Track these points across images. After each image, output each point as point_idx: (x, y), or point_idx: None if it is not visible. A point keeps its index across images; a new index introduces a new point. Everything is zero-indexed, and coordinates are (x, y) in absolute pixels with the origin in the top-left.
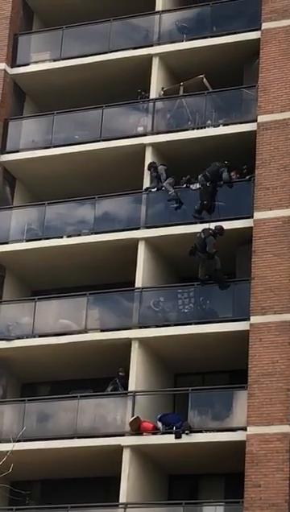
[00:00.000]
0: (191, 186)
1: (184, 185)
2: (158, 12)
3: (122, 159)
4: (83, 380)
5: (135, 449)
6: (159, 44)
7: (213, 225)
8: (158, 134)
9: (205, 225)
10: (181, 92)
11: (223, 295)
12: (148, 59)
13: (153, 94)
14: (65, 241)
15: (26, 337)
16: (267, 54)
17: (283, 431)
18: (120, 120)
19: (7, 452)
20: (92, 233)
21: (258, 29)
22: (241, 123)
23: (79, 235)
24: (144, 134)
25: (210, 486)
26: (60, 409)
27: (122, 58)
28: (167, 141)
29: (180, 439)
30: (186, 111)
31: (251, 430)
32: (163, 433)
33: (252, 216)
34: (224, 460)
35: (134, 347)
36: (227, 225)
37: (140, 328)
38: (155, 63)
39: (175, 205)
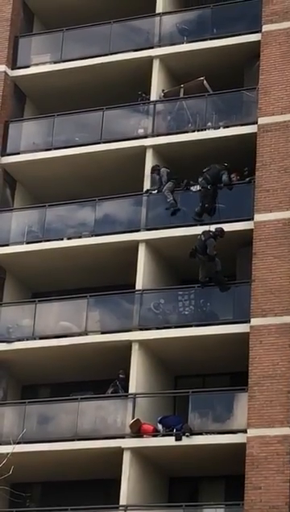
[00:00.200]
0: (191, 188)
1: (185, 188)
2: (158, 14)
3: (123, 161)
4: (83, 382)
5: (136, 451)
6: (159, 46)
7: (213, 227)
8: (158, 136)
9: (206, 227)
10: (182, 95)
11: (223, 297)
12: (149, 61)
13: (153, 96)
14: (66, 243)
15: (27, 339)
16: (268, 56)
17: (283, 434)
18: (121, 122)
19: (7, 454)
20: (92, 235)
21: (259, 31)
22: (241, 125)
23: (79, 237)
24: (145, 136)
25: (211, 488)
26: (60, 411)
27: (122, 60)
28: (168, 143)
29: (180, 442)
30: (187, 113)
31: (252, 432)
32: (164, 435)
33: (252, 219)
34: (224, 463)
35: (135, 349)
36: (227, 227)
37: (141, 330)
38: (156, 65)
39: (171, 210)
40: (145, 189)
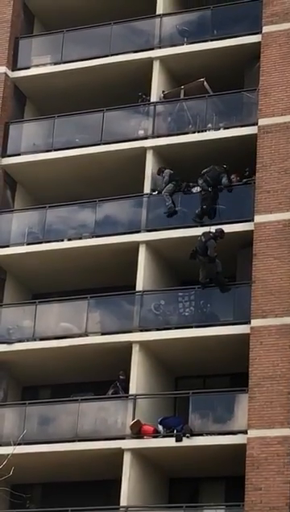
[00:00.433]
0: (192, 189)
1: (185, 189)
2: (159, 15)
3: (123, 163)
4: (84, 383)
5: (136, 452)
6: (159, 48)
7: (213, 229)
8: (159, 137)
9: (206, 229)
10: (182, 96)
11: (224, 298)
12: (149, 62)
13: (154, 97)
14: (66, 244)
15: (27, 340)
16: (268, 57)
17: (283, 435)
18: (121, 123)
19: (8, 455)
20: (93, 237)
21: (259, 32)
22: (241, 126)
23: (80, 238)
24: (145, 138)
25: (211, 489)
26: (60, 412)
27: (122, 61)
28: (168, 144)
29: (180, 443)
30: (187, 114)
31: (252, 433)
32: (164, 436)
33: (253, 220)
34: (225, 464)
35: (135, 350)
36: (228, 228)
37: (141, 331)
38: (156, 66)
39: (168, 212)
40: (146, 190)
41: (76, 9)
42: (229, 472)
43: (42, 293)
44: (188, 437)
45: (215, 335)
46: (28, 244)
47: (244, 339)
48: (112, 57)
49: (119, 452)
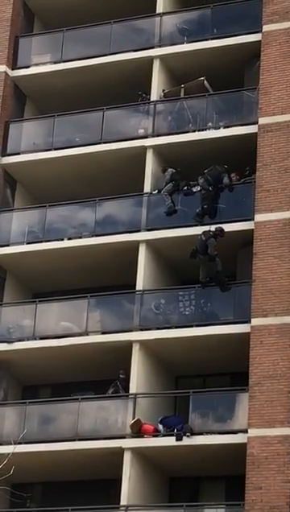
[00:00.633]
0: (192, 188)
1: (186, 188)
2: (159, 14)
3: (123, 162)
4: (84, 382)
5: (136, 451)
6: (159, 46)
7: (213, 227)
8: (159, 136)
9: (206, 228)
10: (182, 95)
11: (224, 297)
12: (149, 61)
13: (154, 96)
14: (66, 243)
15: (27, 340)
16: (268, 56)
17: (284, 434)
18: (121, 122)
19: (8, 454)
20: (93, 236)
21: (259, 31)
22: (242, 125)
23: (80, 237)
24: (145, 137)
25: (211, 489)
26: (61, 411)
27: (122, 60)
28: (168, 143)
29: (180, 442)
30: (187, 113)
31: (252, 432)
32: (164, 435)
33: (253, 219)
34: (225, 463)
35: (135, 349)
36: (228, 227)
37: (141, 330)
38: (156, 65)
39: (167, 211)
40: (146, 190)
41: (76, 8)
42: (229, 471)
43: (42, 292)
44: (188, 436)
45: (215, 334)
46: (28, 243)
47: (244, 338)
48: (112, 56)
49: (119, 452)
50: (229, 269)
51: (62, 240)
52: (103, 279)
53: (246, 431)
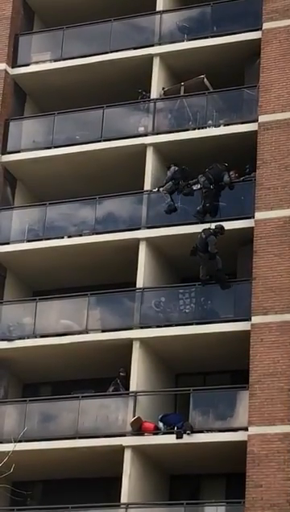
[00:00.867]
0: (193, 187)
1: (185, 186)
2: (159, 12)
3: (123, 160)
4: (84, 380)
5: (136, 449)
6: (159, 44)
7: (213, 225)
8: (159, 134)
9: (206, 225)
10: (182, 93)
11: (224, 295)
12: (149, 59)
13: (154, 94)
14: (66, 241)
15: (28, 338)
16: (268, 54)
17: (284, 431)
18: (121, 120)
19: (9, 452)
20: (93, 234)
21: (259, 29)
22: (242, 123)
23: (80, 235)
24: (145, 135)
25: (211, 486)
26: (61, 409)
27: (122, 58)
28: (168, 141)
29: (181, 440)
30: (187, 111)
31: (252, 430)
32: (165, 433)
33: (253, 217)
34: (225, 461)
35: (136, 347)
36: (228, 225)
37: (141, 328)
38: (156, 63)
39: (167, 209)
40: (146, 187)
41: (75, 5)
42: (229, 469)
43: (42, 290)
44: (188, 434)
45: (215, 332)
46: (28, 241)
47: (244, 336)
48: (112, 54)
49: (120, 449)
50: (230, 267)
51: (62, 238)
52: (103, 277)
53: (246, 429)
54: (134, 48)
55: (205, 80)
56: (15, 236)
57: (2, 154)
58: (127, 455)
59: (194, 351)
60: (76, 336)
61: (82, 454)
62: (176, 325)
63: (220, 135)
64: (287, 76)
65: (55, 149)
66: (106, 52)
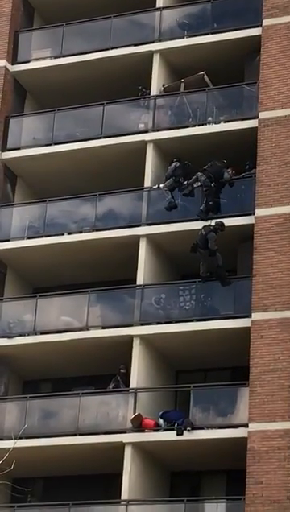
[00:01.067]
0: (194, 184)
1: (185, 182)
2: (159, 9)
3: (124, 156)
4: (84, 377)
5: (137, 446)
6: (160, 41)
7: (213, 222)
8: (159, 130)
9: (206, 222)
10: (182, 89)
11: (224, 291)
12: (149, 55)
13: (154, 91)
14: (66, 238)
15: (28, 335)
16: (268, 50)
17: (284, 428)
18: (121, 117)
19: (9, 449)
20: (93, 231)
21: (260, 25)
22: (242, 120)
23: (80, 232)
24: (145, 131)
25: (212, 483)
26: (61, 406)
27: (123, 55)
28: (169, 138)
29: (181, 436)
30: (187, 108)
31: (253, 427)
32: (165, 430)
33: (253, 213)
34: (226, 457)
35: (136, 344)
36: (228, 221)
37: (142, 325)
38: (156, 59)
39: (167, 206)
40: (146, 184)
41: (75, 2)
42: (230, 465)
43: (42, 287)
44: (189, 431)
45: (216, 328)
46: (29, 238)
47: (245, 332)
48: (112, 50)
49: (120, 446)
50: (230, 263)
51: (62, 235)
52: (104, 274)
53: (246, 426)
54: (135, 45)
55: (205, 76)
56: (15, 233)
57: (2, 151)
58: (128, 451)
59: (194, 348)
60: (77, 332)
61: (82, 451)
62: (177, 322)
63: (220, 132)
64: (287, 72)
65: (56, 146)
66: (106, 49)
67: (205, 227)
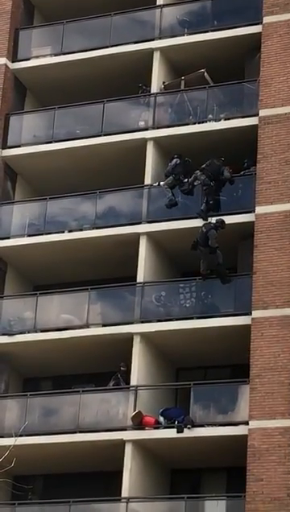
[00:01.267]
0: (194, 183)
1: (185, 180)
2: (159, 6)
3: (124, 154)
4: (85, 375)
5: (137, 444)
6: (160, 38)
7: (213, 219)
8: (159, 128)
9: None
10: (182, 87)
11: (225, 289)
12: (149, 53)
13: (154, 88)
14: (67, 236)
15: (28, 332)
16: (269, 48)
17: (284, 425)
18: (121, 114)
19: (10, 446)
20: (93, 228)
21: (260, 23)
22: (242, 117)
23: (80, 230)
24: (146, 129)
25: (212, 480)
26: (62, 404)
27: (123, 52)
28: (169, 135)
29: (181, 434)
30: (187, 105)
31: (253, 424)
32: (165, 427)
33: (254, 211)
34: (226, 455)
35: (136, 341)
36: (229, 219)
37: (142, 322)
38: (157, 57)
39: (168, 203)
40: (146, 182)
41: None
42: (230, 463)
43: (43, 285)
44: (189, 428)
45: (216, 326)
46: (29, 236)
47: (245, 330)
48: (112, 48)
49: (121, 444)
50: (230, 261)
51: (63, 232)
52: (104, 272)
53: (247, 423)
54: (135, 42)
55: (206, 74)
56: (16, 230)
57: (3, 148)
58: (128, 449)
59: (195, 345)
60: (77, 330)
61: (83, 448)
62: (177, 319)
63: (220, 129)
64: (287, 70)
65: (56, 143)
66: (107, 46)
67: (205, 224)
